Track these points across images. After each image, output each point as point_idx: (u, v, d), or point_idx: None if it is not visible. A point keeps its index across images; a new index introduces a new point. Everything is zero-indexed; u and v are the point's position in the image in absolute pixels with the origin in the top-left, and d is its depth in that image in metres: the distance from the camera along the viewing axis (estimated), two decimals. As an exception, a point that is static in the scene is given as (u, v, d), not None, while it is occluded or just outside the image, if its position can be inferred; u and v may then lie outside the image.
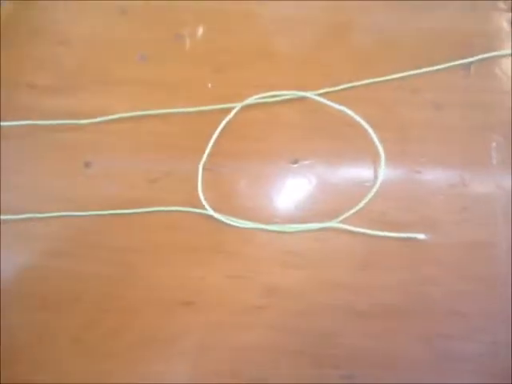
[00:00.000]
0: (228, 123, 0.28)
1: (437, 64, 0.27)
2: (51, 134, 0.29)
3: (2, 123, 0.29)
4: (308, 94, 0.27)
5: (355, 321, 0.25)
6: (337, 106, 0.27)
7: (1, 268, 0.26)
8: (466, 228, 0.26)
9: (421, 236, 0.25)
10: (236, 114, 0.28)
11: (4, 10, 0.32)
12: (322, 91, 0.28)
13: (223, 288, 0.25)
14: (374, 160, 0.27)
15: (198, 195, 0.27)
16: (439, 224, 0.26)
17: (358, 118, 0.26)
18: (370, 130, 0.26)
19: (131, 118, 0.29)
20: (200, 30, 0.31)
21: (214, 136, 0.27)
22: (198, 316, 0.25)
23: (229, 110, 0.28)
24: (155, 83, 0.30)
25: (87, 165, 0.28)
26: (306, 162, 0.27)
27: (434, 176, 0.27)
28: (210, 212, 0.26)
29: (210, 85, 0.30)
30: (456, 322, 0.25)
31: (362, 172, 0.27)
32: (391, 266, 0.25)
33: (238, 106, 0.28)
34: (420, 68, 0.27)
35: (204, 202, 0.26)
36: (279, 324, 0.25)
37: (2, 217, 0.27)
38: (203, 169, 0.27)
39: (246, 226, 0.26)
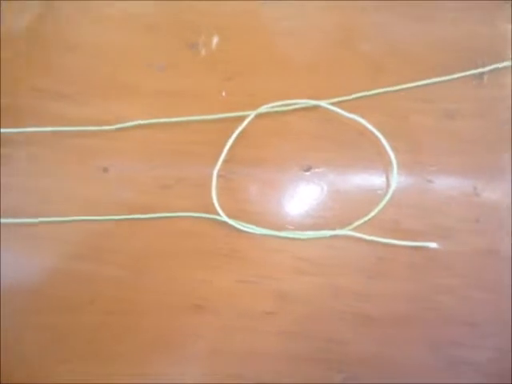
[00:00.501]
0: (241, 131, 0.28)
1: (449, 73, 0.28)
2: (71, 140, 0.30)
3: (27, 129, 0.29)
4: (321, 103, 0.28)
5: (365, 327, 0.25)
6: (349, 115, 0.27)
7: (19, 270, 0.27)
8: (478, 237, 0.26)
9: (433, 245, 0.25)
10: (249, 122, 0.28)
11: (23, 18, 0.33)
12: (334, 100, 0.28)
13: (234, 292, 0.26)
14: (386, 168, 0.27)
15: (211, 201, 0.27)
16: (451, 233, 0.26)
17: (370, 127, 0.27)
18: (383, 139, 0.26)
19: (147, 125, 0.29)
20: (214, 40, 0.32)
21: (229, 143, 0.28)
22: (208, 319, 0.26)
23: (242, 118, 0.29)
24: (170, 92, 0.31)
25: (105, 170, 0.29)
26: (319, 170, 0.28)
27: (447, 185, 0.27)
28: (224, 218, 0.27)
29: (223, 93, 0.30)
30: (466, 330, 0.25)
31: (374, 180, 0.27)
32: (402, 274, 0.25)
33: (251, 114, 0.28)
34: (432, 77, 0.28)
35: (218, 208, 0.27)
36: (288, 329, 0.25)
37: (19, 220, 0.28)
38: (217, 175, 0.28)
39: (259, 232, 0.26)
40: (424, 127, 0.27)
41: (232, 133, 0.28)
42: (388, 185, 0.27)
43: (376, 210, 0.26)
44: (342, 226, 0.26)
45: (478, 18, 0.29)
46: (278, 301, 0.26)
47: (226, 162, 0.28)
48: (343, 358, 0.25)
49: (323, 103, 0.28)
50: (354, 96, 0.28)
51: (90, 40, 0.32)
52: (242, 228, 0.27)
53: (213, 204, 0.27)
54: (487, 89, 0.28)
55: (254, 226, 0.27)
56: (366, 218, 0.26)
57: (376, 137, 0.27)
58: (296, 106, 0.29)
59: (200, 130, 0.29)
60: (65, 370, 0.26)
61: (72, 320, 0.26)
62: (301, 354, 0.25)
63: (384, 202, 0.26)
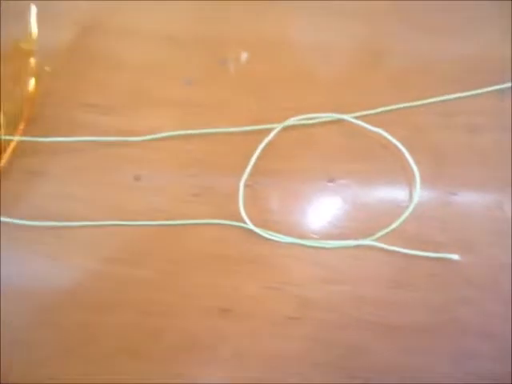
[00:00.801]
0: (268, 143, 0.29)
1: (471, 89, 0.28)
2: (105, 150, 0.31)
3: (62, 139, 0.31)
4: (345, 117, 0.29)
5: (385, 336, 0.25)
6: (373, 129, 0.28)
7: (56, 271, 0.28)
8: (499, 251, 0.26)
9: (455, 257, 0.26)
10: (276, 134, 0.30)
11: (66, 37, 0.35)
12: (359, 114, 0.29)
13: (259, 298, 0.27)
14: (409, 181, 0.28)
15: (238, 210, 0.28)
16: (472, 246, 0.26)
17: (393, 141, 0.27)
18: (406, 152, 0.27)
19: (178, 136, 0.31)
20: (243, 56, 0.33)
21: (255, 155, 0.29)
22: (233, 323, 0.26)
23: (269, 131, 0.30)
24: (200, 105, 0.32)
25: (137, 178, 0.30)
26: (343, 181, 0.29)
27: (469, 199, 0.27)
28: (250, 226, 0.27)
29: (252, 107, 0.31)
30: (486, 342, 0.25)
31: (397, 193, 0.28)
32: (422, 285, 0.26)
33: (278, 126, 0.30)
34: (454, 92, 0.28)
35: (244, 217, 0.28)
36: (311, 335, 0.26)
37: (59, 223, 0.29)
38: (244, 185, 0.29)
39: (284, 241, 0.27)
40: (447, 141, 0.28)
41: (259, 144, 0.29)
42: (411, 197, 0.27)
43: (398, 222, 0.27)
44: (365, 236, 0.27)
45: (500, 34, 0.30)
46: (301, 307, 0.26)
47: (252, 172, 0.29)
48: (363, 365, 0.25)
49: (348, 117, 0.29)
50: (377, 110, 0.29)
51: (128, 56, 0.34)
52: (267, 236, 0.27)
53: (239, 212, 0.28)
54: (508, 103, 0.28)
55: (279, 235, 0.27)
56: (389, 229, 0.27)
57: (399, 150, 0.27)
58: (321, 120, 0.30)
59: (228, 141, 0.30)
60: (99, 365, 0.27)
61: (104, 320, 0.27)
62: (322, 360, 0.25)
63: (406, 214, 0.27)
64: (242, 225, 0.28)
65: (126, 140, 0.31)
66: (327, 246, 0.27)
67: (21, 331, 0.28)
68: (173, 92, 0.33)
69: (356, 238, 0.27)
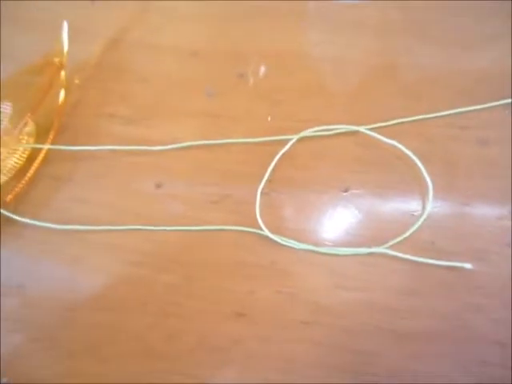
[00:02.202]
0: (285, 153, 0.30)
1: (482, 102, 0.29)
2: (128, 158, 0.33)
3: (89, 147, 0.33)
4: (360, 128, 0.30)
5: (396, 342, 0.26)
6: (387, 140, 0.29)
7: (80, 271, 0.30)
8: (511, 260, 0.26)
9: (467, 265, 0.26)
10: (292, 144, 0.31)
11: (94, 51, 0.37)
12: (373, 126, 0.30)
13: (273, 302, 0.27)
14: (422, 191, 0.28)
15: (255, 217, 0.29)
16: (484, 255, 0.26)
17: (407, 152, 0.28)
18: (419, 163, 0.28)
19: (198, 146, 0.32)
20: (261, 70, 0.35)
21: (272, 164, 0.30)
22: (248, 327, 0.27)
23: (285, 141, 0.31)
24: (220, 116, 0.33)
25: (158, 185, 0.31)
26: (357, 191, 0.29)
27: (481, 209, 0.28)
28: (266, 233, 0.28)
29: (269, 118, 0.33)
30: (497, 349, 0.25)
31: (411, 202, 0.29)
32: (433, 292, 0.26)
33: (294, 137, 0.31)
34: (465, 105, 0.29)
35: (261, 224, 0.29)
36: (323, 339, 0.26)
37: (83, 227, 0.30)
38: (261, 193, 0.30)
39: (299, 247, 0.28)
40: (459, 152, 0.29)
41: (276, 154, 0.30)
42: (424, 207, 0.28)
43: (411, 230, 0.27)
44: (378, 244, 0.27)
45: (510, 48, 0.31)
46: (314, 312, 0.27)
47: (269, 181, 0.30)
48: (374, 370, 0.26)
49: (362, 128, 0.30)
50: (392, 122, 0.30)
51: (152, 70, 0.36)
52: (282, 242, 0.28)
53: (256, 219, 0.29)
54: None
55: (294, 241, 0.28)
56: (402, 238, 0.27)
57: (413, 161, 0.28)
58: (336, 131, 0.31)
59: (246, 151, 0.32)
60: (113, 366, 0.28)
61: (124, 321, 0.28)
62: (333, 364, 0.26)
63: (419, 223, 0.27)
64: (259, 231, 0.29)
65: (148, 149, 0.32)
66: (340, 253, 0.28)
67: (43, 329, 0.29)
68: (194, 104, 0.34)
69: (369, 246, 0.28)
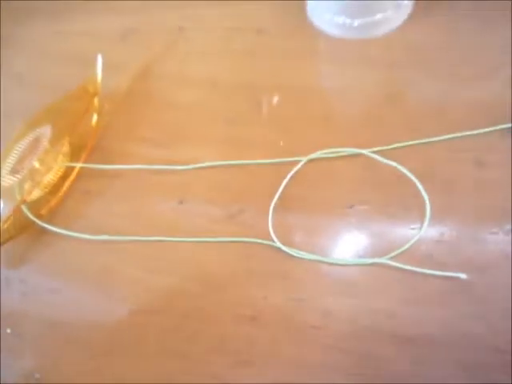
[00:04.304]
0: (295, 173, 0.34)
1: (478, 128, 0.32)
2: (154, 176, 0.36)
3: (117, 166, 0.36)
4: (363, 151, 0.33)
5: (399, 347, 0.27)
6: (388, 162, 0.32)
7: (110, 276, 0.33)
8: (508, 272, 0.28)
9: (462, 276, 0.29)
10: (302, 166, 0.34)
11: (124, 80, 0.41)
12: (375, 149, 0.33)
13: (285, 308, 0.30)
14: (421, 208, 0.31)
15: (268, 230, 0.32)
16: (481, 267, 0.28)
17: (407, 172, 0.31)
18: (417, 182, 0.31)
19: (217, 166, 0.35)
20: (275, 99, 0.38)
21: (284, 183, 0.33)
22: (260, 330, 0.29)
23: (296, 163, 0.34)
24: (237, 140, 0.36)
25: (181, 202, 0.34)
26: (361, 208, 0.32)
27: (477, 225, 0.30)
28: (279, 245, 0.31)
29: (281, 143, 0.36)
30: (497, 356, 0.26)
31: (410, 218, 0.31)
32: (433, 301, 0.28)
33: (304, 159, 0.34)
34: (464, 131, 0.32)
35: (273, 236, 0.32)
36: (331, 343, 0.28)
37: (113, 237, 0.34)
38: (273, 209, 0.33)
39: (308, 258, 0.31)
40: (456, 173, 0.31)
41: (287, 175, 0.34)
42: (421, 223, 0.31)
43: (410, 243, 0.30)
44: (380, 255, 0.30)
45: (504, 81, 0.34)
46: (323, 318, 0.29)
47: (280, 198, 0.33)
48: (379, 373, 0.27)
49: (365, 151, 0.33)
50: (392, 146, 0.33)
51: (176, 98, 0.39)
52: (293, 254, 0.31)
53: (269, 233, 0.32)
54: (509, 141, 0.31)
55: (303, 252, 0.31)
56: (401, 250, 0.30)
57: (411, 180, 0.31)
58: (342, 154, 0.34)
59: (260, 171, 0.34)
60: (137, 366, 0.30)
61: (148, 323, 0.31)
62: (340, 367, 0.28)
63: (417, 237, 0.30)
64: (271, 243, 0.31)
65: (172, 168, 0.36)
66: (345, 263, 0.30)
67: (73, 331, 0.32)
68: (214, 129, 0.37)
69: (372, 257, 0.30)
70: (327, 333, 0.29)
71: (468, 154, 0.32)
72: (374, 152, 0.33)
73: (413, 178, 0.31)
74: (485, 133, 0.32)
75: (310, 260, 0.31)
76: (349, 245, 0.31)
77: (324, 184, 0.33)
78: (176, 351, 0.30)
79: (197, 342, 0.30)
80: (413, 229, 0.31)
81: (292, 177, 0.33)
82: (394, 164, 0.32)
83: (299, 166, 0.34)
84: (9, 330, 0.32)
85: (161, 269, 0.32)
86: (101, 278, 0.33)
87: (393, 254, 0.30)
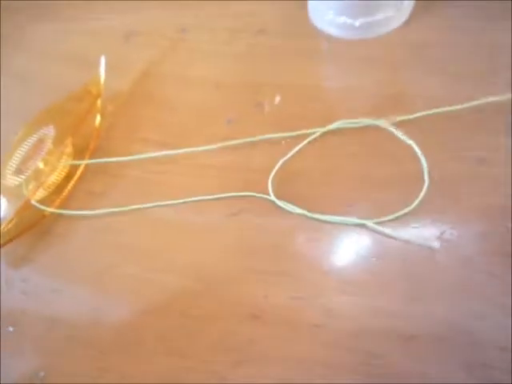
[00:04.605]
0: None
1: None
2: (157, 177, 0.36)
3: (122, 158, 0.37)
4: (381, 123, 0.33)
5: (402, 344, 0.27)
6: (405, 139, 0.33)
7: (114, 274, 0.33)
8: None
9: (435, 244, 0.29)
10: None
11: (127, 82, 0.42)
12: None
13: (286, 306, 0.29)
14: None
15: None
16: (484, 265, 0.28)
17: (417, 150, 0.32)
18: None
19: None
20: (276, 99, 0.38)
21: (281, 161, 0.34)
22: (262, 328, 0.29)
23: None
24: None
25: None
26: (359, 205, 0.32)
27: (481, 221, 0.30)
28: (273, 198, 0.32)
29: (283, 142, 0.36)
30: (499, 355, 0.26)
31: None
32: (438, 300, 0.28)
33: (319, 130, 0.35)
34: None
35: (270, 190, 0.32)
36: (333, 341, 0.28)
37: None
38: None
39: (295, 212, 0.32)
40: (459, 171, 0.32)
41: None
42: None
43: (403, 211, 0.30)
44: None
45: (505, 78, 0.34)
46: (325, 316, 0.29)
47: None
48: (381, 371, 0.27)
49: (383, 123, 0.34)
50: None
51: (179, 99, 0.40)
52: (282, 206, 0.32)
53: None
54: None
55: (290, 205, 0.32)
56: (392, 216, 0.31)
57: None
58: (360, 125, 0.34)
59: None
60: (141, 363, 0.30)
61: (151, 322, 0.31)
62: (343, 364, 0.27)
63: (412, 206, 0.30)
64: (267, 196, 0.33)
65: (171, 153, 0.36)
66: (330, 220, 0.31)
67: (77, 329, 0.32)
68: (215, 129, 0.38)
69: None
70: (329, 331, 0.28)
71: (471, 153, 0.32)
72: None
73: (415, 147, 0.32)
74: (485, 131, 0.32)
75: (297, 214, 0.32)
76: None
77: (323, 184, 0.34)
78: (177, 350, 0.30)
79: (198, 340, 0.30)
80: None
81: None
82: (410, 142, 0.32)
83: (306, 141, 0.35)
84: (11, 329, 0.32)
85: (161, 268, 0.32)
86: (101, 277, 0.33)
87: (381, 219, 0.30)
